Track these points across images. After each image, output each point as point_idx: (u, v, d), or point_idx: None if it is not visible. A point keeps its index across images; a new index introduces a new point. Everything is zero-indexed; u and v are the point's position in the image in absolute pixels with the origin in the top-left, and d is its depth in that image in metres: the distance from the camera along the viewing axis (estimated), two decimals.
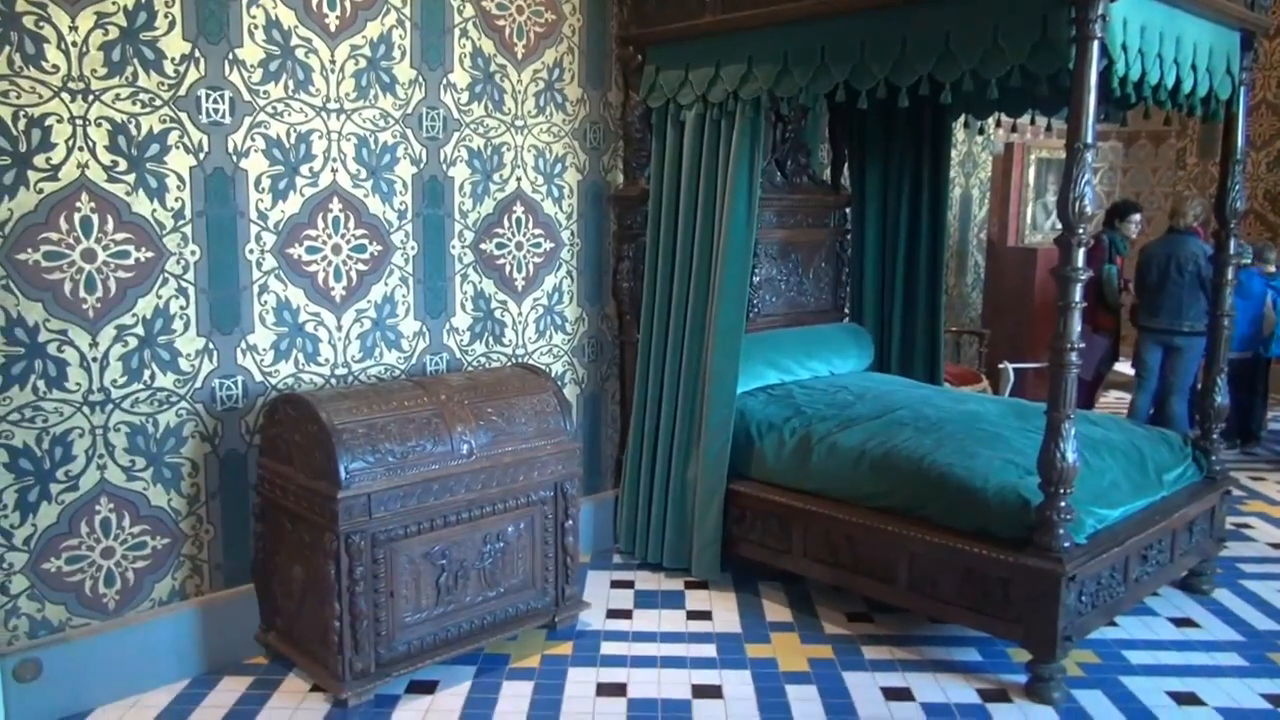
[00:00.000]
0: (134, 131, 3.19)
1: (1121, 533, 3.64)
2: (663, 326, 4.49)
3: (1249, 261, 6.47)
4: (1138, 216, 7.23)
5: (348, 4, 3.66)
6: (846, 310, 5.68)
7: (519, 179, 4.34)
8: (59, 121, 3.04)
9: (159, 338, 3.33)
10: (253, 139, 3.47)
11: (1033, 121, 5.13)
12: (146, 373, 3.32)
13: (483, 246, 4.25)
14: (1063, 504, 3.30)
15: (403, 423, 3.34)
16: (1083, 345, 3.31)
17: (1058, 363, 3.29)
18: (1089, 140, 3.19)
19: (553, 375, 4.40)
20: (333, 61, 3.65)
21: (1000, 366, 6.86)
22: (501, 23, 4.17)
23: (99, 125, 3.11)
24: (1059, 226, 3.29)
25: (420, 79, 3.92)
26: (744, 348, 4.35)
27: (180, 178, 3.31)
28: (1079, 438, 3.36)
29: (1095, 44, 3.13)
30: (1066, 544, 3.33)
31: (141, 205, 3.23)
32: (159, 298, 3.31)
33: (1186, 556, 4.15)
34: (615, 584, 4.43)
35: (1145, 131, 10.04)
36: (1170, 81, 3.62)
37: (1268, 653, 3.84)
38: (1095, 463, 3.74)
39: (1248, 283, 6.66)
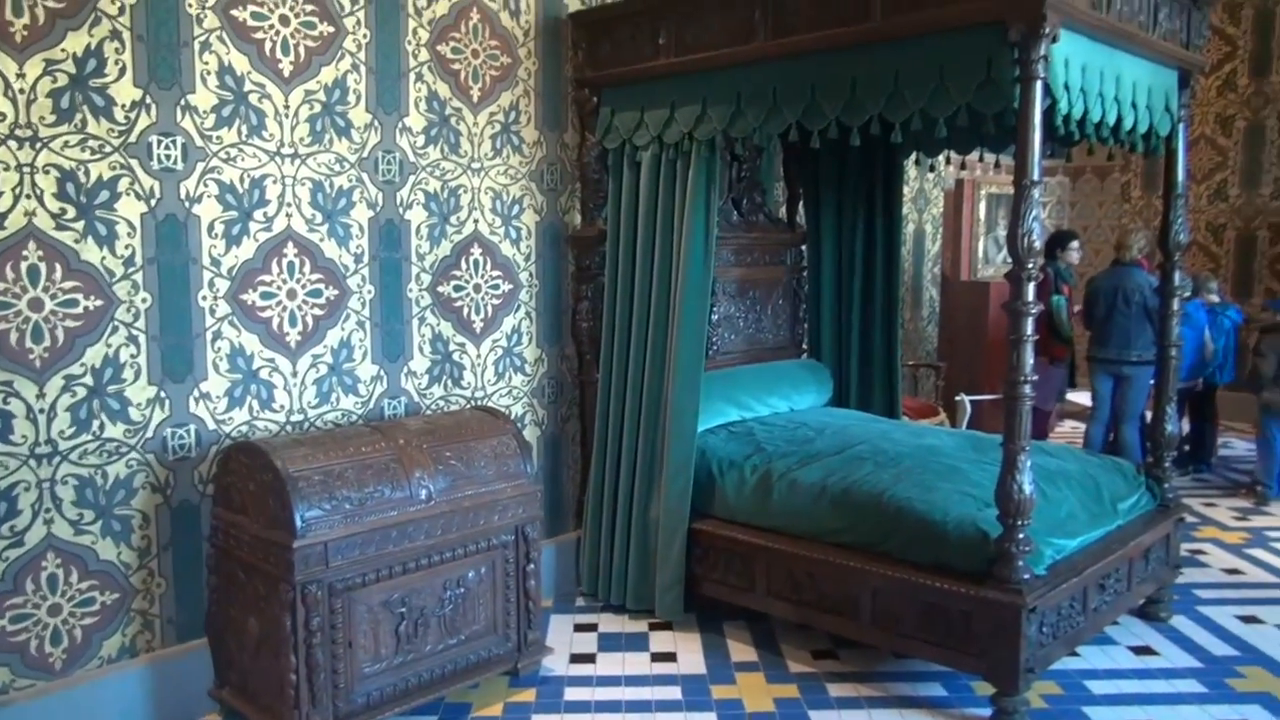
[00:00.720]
0: (83, 178, 3.15)
1: (1080, 563, 3.67)
2: (622, 366, 4.49)
3: (1189, 295, 6.62)
4: (1076, 243, 7.41)
5: (301, 50, 3.66)
6: (805, 346, 5.72)
7: (476, 221, 4.34)
8: (5, 169, 2.99)
9: (108, 387, 3.26)
10: (205, 185, 3.44)
11: (981, 158, 5.24)
12: (95, 423, 3.25)
13: (440, 289, 4.23)
14: (1021, 536, 3.33)
15: (360, 469, 3.30)
16: (1035, 378, 3.36)
17: (1012, 395, 3.33)
18: (1035, 177, 3.26)
19: (512, 417, 4.37)
20: (287, 106, 3.64)
21: (957, 399, 6.94)
22: (456, 66, 4.19)
23: (47, 172, 3.07)
24: (1010, 260, 3.35)
25: (376, 123, 3.92)
26: (704, 385, 4.36)
27: (131, 224, 3.27)
28: (1035, 469, 3.40)
29: (1038, 84, 3.21)
30: (1026, 576, 3.35)
31: (90, 253, 3.18)
32: (108, 346, 3.25)
33: (1144, 584, 4.20)
34: (579, 627, 4.38)
35: (1091, 166, 10.30)
36: (1111, 119, 3.72)
37: (1225, 679, 3.88)
38: (1052, 493, 3.79)
39: (1194, 314, 6.82)
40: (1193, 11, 4.18)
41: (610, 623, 4.42)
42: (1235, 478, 7.17)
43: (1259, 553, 5.51)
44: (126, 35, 3.21)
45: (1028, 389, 3.32)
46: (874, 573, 3.70)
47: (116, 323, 3.26)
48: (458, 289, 4.30)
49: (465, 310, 4.34)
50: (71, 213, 3.13)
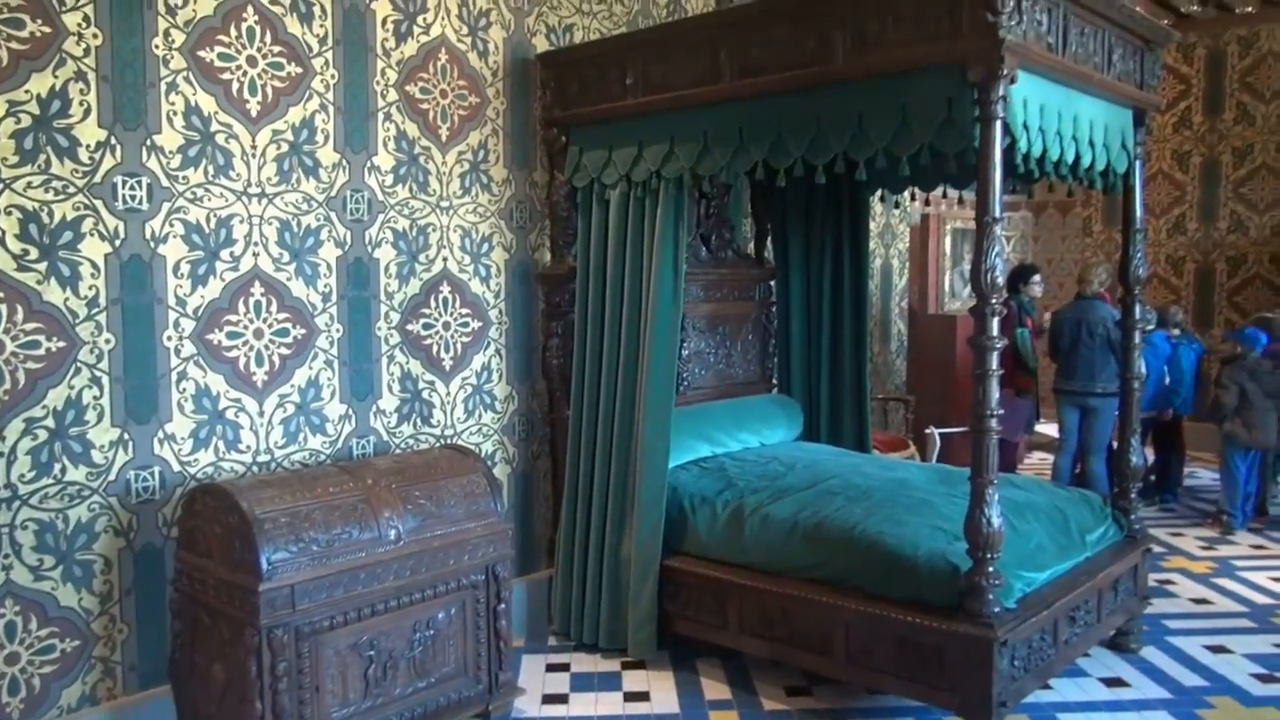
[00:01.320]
0: (46, 219, 3.12)
1: (1049, 595, 3.69)
2: (593, 402, 4.49)
3: (1152, 327, 6.74)
4: (1038, 277, 7.55)
5: (269, 90, 3.67)
6: (775, 381, 5.75)
7: (445, 259, 4.34)
8: None
9: (70, 429, 3.22)
10: (171, 224, 3.42)
11: (945, 194, 5.33)
12: (57, 466, 3.19)
13: (409, 327, 4.22)
14: (991, 569, 3.34)
15: (327, 510, 3.26)
16: (1001, 412, 3.40)
17: (978, 429, 3.36)
18: (996, 214, 3.32)
19: (483, 455, 4.35)
20: (254, 146, 3.63)
21: (927, 432, 6.99)
22: (425, 106, 4.21)
23: (9, 214, 3.04)
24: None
25: (344, 162, 3.93)
26: (674, 421, 4.37)
27: (94, 265, 3.24)
28: (1004, 501, 3.43)
29: (998, 123, 3.27)
30: (996, 609, 3.36)
31: (53, 294, 3.15)
32: (71, 388, 3.21)
33: (1113, 616, 4.22)
34: (551, 667, 4.33)
35: (1052, 201, 10.48)
36: (1070, 157, 3.79)
37: (1196, 709, 3.90)
38: (1021, 526, 3.81)
39: (1160, 344, 6.94)
40: (1146, 53, 4.30)
41: (583, 662, 4.38)
42: (1201, 507, 7.26)
43: (1226, 582, 5.56)
44: (91, 76, 3.20)
45: (993, 423, 3.35)
46: (846, 608, 3.69)
47: (79, 364, 3.22)
48: (427, 327, 4.29)
49: (434, 348, 4.33)
50: (34, 254, 3.10)
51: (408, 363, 4.22)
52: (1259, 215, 9.34)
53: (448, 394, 4.39)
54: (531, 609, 4.68)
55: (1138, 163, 4.37)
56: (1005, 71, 3.22)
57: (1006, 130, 3.33)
